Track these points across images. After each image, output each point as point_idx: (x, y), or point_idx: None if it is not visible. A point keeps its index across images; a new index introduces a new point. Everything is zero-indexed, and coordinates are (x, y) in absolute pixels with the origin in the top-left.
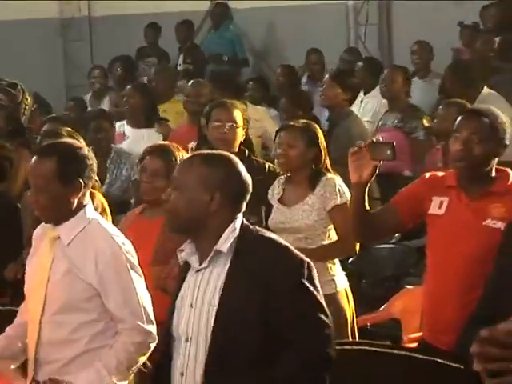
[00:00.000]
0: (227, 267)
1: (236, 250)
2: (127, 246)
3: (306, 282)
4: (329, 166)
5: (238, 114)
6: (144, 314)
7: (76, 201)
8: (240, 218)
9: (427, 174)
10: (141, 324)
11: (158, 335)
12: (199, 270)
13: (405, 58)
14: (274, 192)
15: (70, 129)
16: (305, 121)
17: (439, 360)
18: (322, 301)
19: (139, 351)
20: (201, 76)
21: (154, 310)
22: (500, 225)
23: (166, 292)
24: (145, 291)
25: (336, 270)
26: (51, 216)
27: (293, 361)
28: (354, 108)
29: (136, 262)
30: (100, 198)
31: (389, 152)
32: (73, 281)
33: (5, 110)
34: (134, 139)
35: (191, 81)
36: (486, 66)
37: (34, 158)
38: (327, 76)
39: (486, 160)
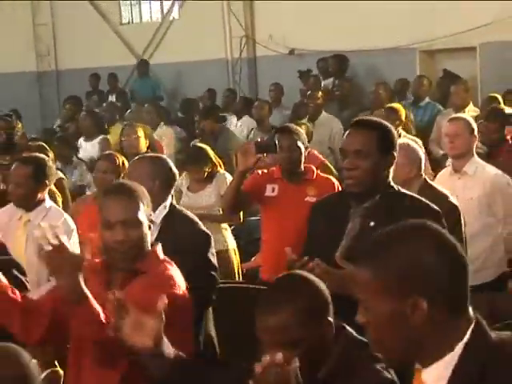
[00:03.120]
0: (156, 233)
1: (164, 221)
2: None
3: (206, 247)
4: (220, 166)
5: (139, 130)
6: None
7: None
8: (169, 200)
9: (259, 171)
10: None
11: None
12: None
13: (266, 95)
14: (184, 183)
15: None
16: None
17: None
18: (214, 261)
19: None
20: (127, 109)
21: None
22: (315, 199)
23: None
24: None
25: (228, 234)
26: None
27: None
28: (232, 128)
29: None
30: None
31: (272, 147)
32: None
33: (4, 132)
34: (85, 149)
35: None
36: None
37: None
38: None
39: (301, 159)
